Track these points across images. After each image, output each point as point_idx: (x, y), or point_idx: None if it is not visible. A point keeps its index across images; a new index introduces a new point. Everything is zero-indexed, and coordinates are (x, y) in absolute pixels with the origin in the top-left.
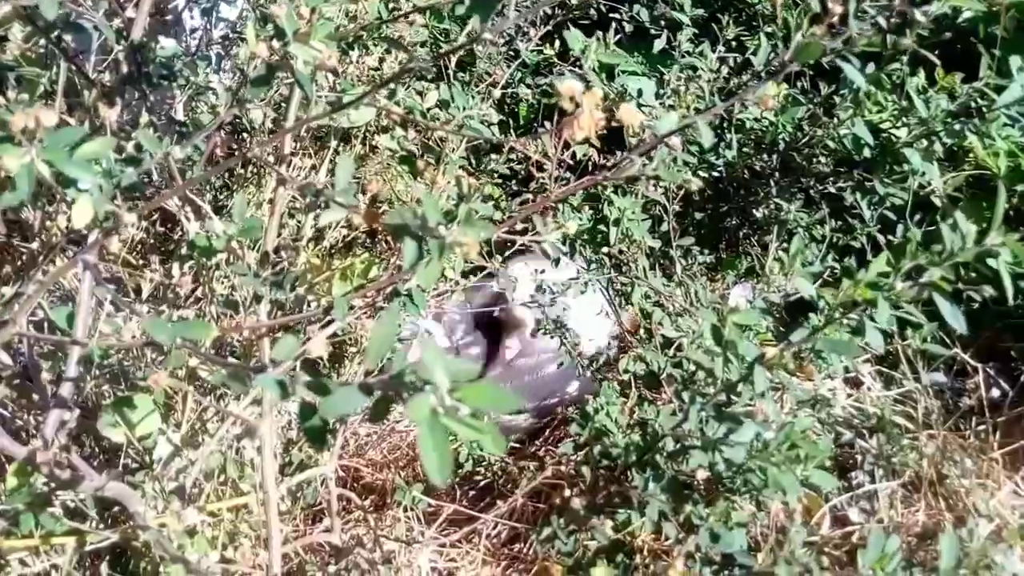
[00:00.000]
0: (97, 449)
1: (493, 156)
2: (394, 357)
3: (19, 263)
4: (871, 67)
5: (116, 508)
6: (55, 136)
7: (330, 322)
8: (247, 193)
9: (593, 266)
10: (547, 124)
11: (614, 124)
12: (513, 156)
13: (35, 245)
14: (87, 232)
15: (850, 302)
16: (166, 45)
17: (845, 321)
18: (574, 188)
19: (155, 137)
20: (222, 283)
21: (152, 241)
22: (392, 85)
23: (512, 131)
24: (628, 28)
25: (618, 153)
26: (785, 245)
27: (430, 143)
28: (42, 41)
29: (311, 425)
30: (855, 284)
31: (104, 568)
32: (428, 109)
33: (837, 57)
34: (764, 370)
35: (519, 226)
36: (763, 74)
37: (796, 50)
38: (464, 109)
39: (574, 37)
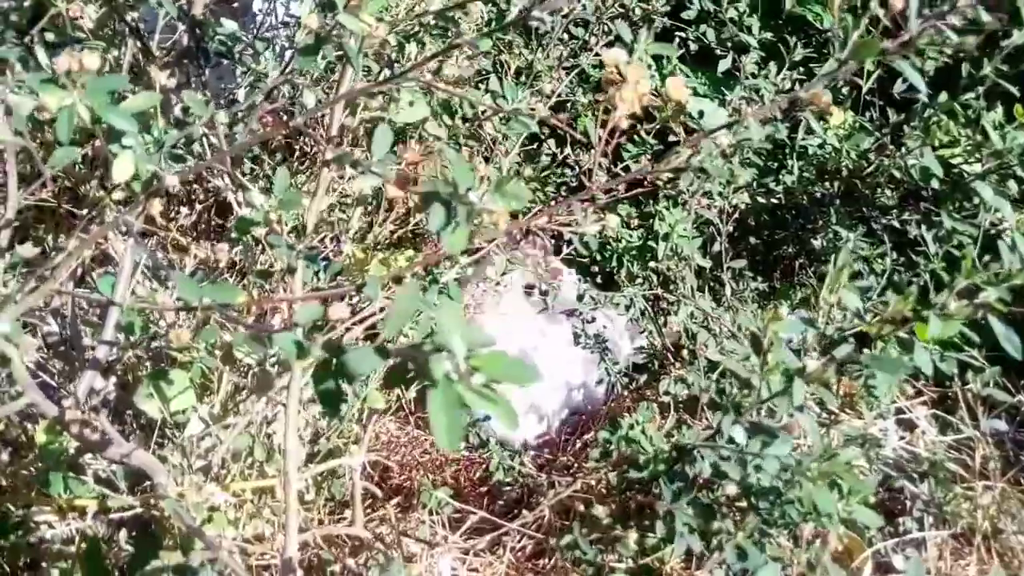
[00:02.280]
0: (136, 426)
1: (544, 159)
2: (418, 326)
3: (73, 231)
4: (943, 96)
5: (147, 483)
6: (98, 81)
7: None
8: (299, 182)
9: (638, 281)
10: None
11: (671, 139)
12: (568, 167)
13: (85, 212)
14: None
15: (899, 319)
16: (227, 25)
17: (896, 349)
18: (619, 183)
19: (202, 101)
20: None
21: (204, 226)
22: (436, 63)
23: (569, 143)
24: (693, 48)
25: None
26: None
27: (477, 133)
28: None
29: (324, 388)
30: (904, 298)
31: (123, 534)
32: (483, 111)
33: (897, 58)
34: (803, 384)
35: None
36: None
37: (853, 49)
38: (512, 101)
39: (623, 27)
